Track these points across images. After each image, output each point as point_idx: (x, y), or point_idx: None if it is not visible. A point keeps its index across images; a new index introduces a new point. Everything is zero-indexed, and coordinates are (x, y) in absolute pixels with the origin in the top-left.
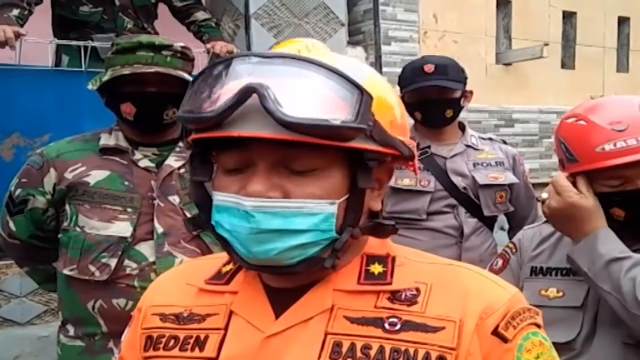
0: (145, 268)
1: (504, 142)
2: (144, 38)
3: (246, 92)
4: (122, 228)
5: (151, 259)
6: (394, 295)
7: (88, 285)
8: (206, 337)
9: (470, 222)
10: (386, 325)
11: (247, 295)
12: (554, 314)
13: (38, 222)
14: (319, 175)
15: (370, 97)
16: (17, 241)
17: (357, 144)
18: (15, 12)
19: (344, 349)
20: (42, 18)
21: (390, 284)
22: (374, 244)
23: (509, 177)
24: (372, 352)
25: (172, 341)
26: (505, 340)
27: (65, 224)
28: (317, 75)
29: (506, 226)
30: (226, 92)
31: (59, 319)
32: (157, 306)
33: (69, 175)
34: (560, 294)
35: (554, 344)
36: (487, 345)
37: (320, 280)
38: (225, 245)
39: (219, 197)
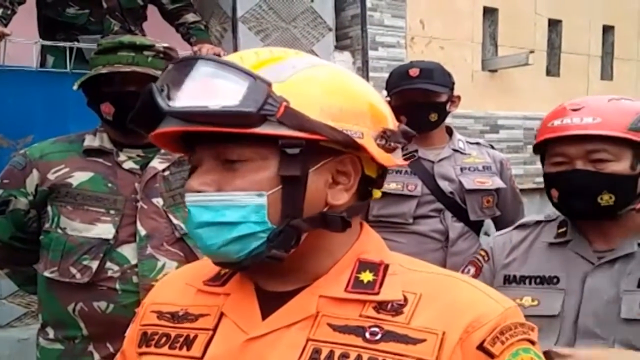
0: (127, 271)
1: (492, 147)
2: (125, 38)
3: (147, 92)
4: (104, 230)
5: (133, 261)
6: (380, 305)
7: (69, 288)
8: (195, 337)
9: (456, 227)
10: (367, 335)
11: (238, 298)
12: (529, 323)
13: (19, 223)
14: (250, 167)
15: (267, 84)
16: None
17: (265, 130)
18: None
19: (322, 356)
20: (26, 18)
21: (377, 294)
22: (369, 248)
23: (496, 182)
24: None
25: (164, 339)
26: (491, 355)
27: (47, 225)
28: (207, 70)
29: (491, 231)
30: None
31: (39, 322)
32: (157, 304)
33: (51, 176)
34: (536, 302)
35: None
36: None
37: (309, 285)
38: None
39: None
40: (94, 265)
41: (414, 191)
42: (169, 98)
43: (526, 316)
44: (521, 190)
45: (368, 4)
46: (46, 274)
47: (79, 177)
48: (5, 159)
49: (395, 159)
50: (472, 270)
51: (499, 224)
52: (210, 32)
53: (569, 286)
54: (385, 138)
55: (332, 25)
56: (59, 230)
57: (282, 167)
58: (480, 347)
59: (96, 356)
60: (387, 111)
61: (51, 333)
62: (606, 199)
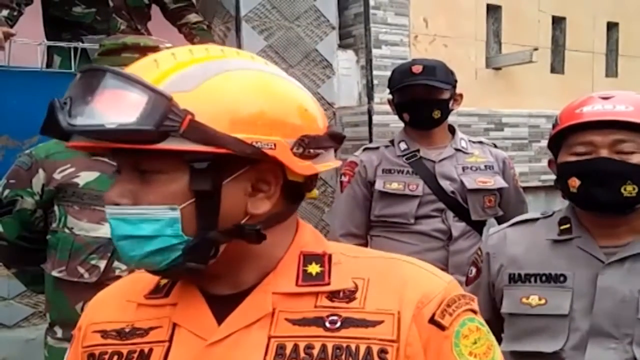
0: (135, 270)
1: (495, 146)
2: (129, 39)
3: (50, 107)
4: None
5: None
6: (333, 294)
7: (77, 287)
8: (150, 350)
9: (458, 226)
10: (327, 324)
11: (187, 305)
12: (538, 323)
13: (26, 223)
14: (164, 180)
15: (167, 99)
16: (5, 242)
17: (168, 145)
18: (5, 12)
19: (288, 351)
20: (32, 19)
21: (328, 284)
22: (308, 241)
23: (498, 182)
24: (315, 352)
25: (116, 357)
26: (442, 327)
27: (54, 225)
28: (110, 84)
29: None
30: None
31: (47, 322)
32: (97, 323)
33: (57, 176)
34: (543, 301)
35: (540, 353)
36: (426, 333)
37: (258, 284)
38: None
39: None
40: (102, 264)
41: (416, 191)
42: (69, 114)
43: (533, 316)
44: (526, 188)
45: (371, 2)
46: (54, 273)
47: (85, 177)
48: (11, 159)
49: (316, 166)
50: (474, 270)
51: (502, 224)
52: (213, 31)
53: (577, 285)
54: (303, 146)
55: (336, 24)
56: (67, 230)
57: (193, 182)
58: (432, 320)
59: None
60: (316, 114)
61: (59, 332)
62: (629, 189)
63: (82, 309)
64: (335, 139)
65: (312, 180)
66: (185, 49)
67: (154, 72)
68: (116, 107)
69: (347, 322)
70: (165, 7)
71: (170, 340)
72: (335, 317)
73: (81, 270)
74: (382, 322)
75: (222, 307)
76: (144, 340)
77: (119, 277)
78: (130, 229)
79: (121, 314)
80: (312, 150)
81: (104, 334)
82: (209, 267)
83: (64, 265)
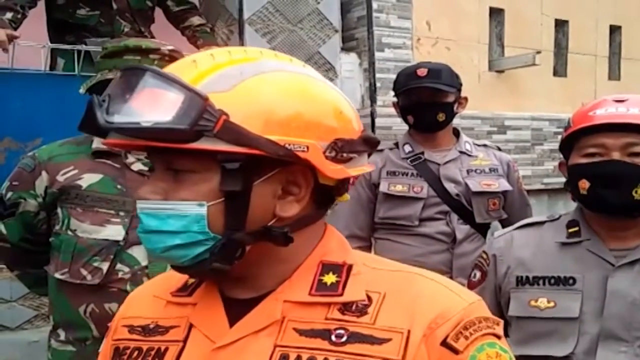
0: (138, 272)
1: (499, 149)
2: (130, 42)
3: (89, 104)
4: (114, 231)
5: (144, 263)
6: (345, 306)
7: (80, 289)
8: (166, 349)
9: (462, 229)
10: (333, 338)
11: (205, 306)
12: (547, 326)
13: (29, 225)
14: (195, 178)
15: (203, 98)
16: (8, 244)
17: (202, 144)
18: (9, 15)
19: None
20: (35, 22)
21: (341, 295)
22: (332, 249)
23: (502, 184)
24: None
25: (136, 352)
26: (455, 351)
27: (57, 227)
28: (148, 83)
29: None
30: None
31: (50, 324)
32: (126, 318)
33: (60, 178)
34: (552, 304)
35: (550, 357)
36: (436, 356)
37: (274, 290)
38: None
39: None
40: (105, 266)
41: (420, 193)
42: (108, 111)
43: (542, 319)
44: (529, 191)
45: (374, 6)
46: (57, 275)
47: (88, 179)
48: (14, 161)
49: (349, 170)
50: (478, 274)
51: (507, 227)
52: (216, 34)
53: (587, 288)
54: (336, 149)
55: (338, 27)
56: (69, 232)
57: (223, 182)
58: (444, 343)
59: None
60: (351, 117)
61: (62, 335)
62: None
63: (84, 311)
64: (369, 143)
65: (343, 184)
66: (224, 50)
67: (193, 72)
68: (153, 106)
69: (354, 338)
70: (168, 9)
71: (185, 340)
72: (342, 331)
73: (84, 272)
74: (389, 340)
75: (237, 311)
76: (163, 339)
77: (121, 279)
78: (157, 223)
79: (149, 311)
80: (345, 154)
81: (131, 329)
82: (232, 269)
83: (66, 267)
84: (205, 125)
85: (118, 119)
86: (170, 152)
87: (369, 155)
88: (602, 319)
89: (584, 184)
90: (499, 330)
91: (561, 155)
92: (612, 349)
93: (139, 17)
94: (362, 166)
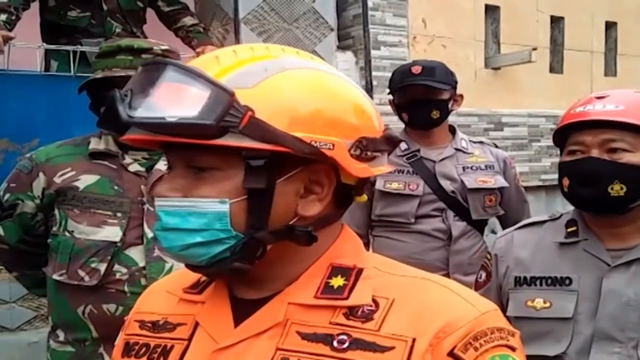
0: (136, 273)
1: (495, 146)
2: (123, 42)
3: (110, 99)
4: (111, 233)
5: (141, 264)
6: (351, 311)
7: (78, 290)
8: (172, 347)
9: (458, 226)
10: (334, 343)
11: (212, 306)
12: (543, 326)
13: (27, 226)
14: (217, 175)
15: (229, 94)
16: (6, 246)
17: (227, 141)
18: (3, 17)
19: None
20: (30, 23)
21: (346, 299)
22: (344, 252)
23: (498, 181)
24: None
25: (144, 349)
26: None
27: (55, 228)
28: (171, 77)
29: (497, 229)
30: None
31: (49, 325)
32: (141, 313)
33: (58, 179)
34: (548, 304)
35: (543, 357)
36: None
37: (281, 291)
38: None
39: None
40: (102, 267)
41: (416, 191)
42: (130, 106)
43: (538, 319)
44: (527, 187)
45: (369, 4)
46: (55, 276)
47: (85, 180)
48: (11, 163)
49: (372, 169)
50: (484, 275)
51: (504, 223)
52: (212, 33)
53: (583, 288)
54: (361, 148)
55: (334, 26)
56: (67, 234)
57: (247, 179)
58: (451, 354)
59: (107, 358)
60: (372, 115)
61: (61, 336)
62: (617, 189)
63: (83, 312)
64: (391, 142)
65: (363, 183)
66: (246, 47)
67: (215, 67)
68: (177, 101)
69: (356, 344)
70: (159, 10)
71: (190, 339)
72: (344, 337)
73: (81, 273)
74: (392, 348)
75: (244, 311)
76: (170, 336)
77: (119, 280)
78: (178, 221)
79: (161, 306)
80: (369, 153)
81: (142, 324)
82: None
83: (64, 268)
84: (231, 121)
85: (141, 113)
86: (192, 149)
87: (389, 155)
88: (596, 319)
89: (565, 182)
90: (514, 342)
91: (559, 152)
92: (605, 349)
93: (130, 18)
94: (383, 165)
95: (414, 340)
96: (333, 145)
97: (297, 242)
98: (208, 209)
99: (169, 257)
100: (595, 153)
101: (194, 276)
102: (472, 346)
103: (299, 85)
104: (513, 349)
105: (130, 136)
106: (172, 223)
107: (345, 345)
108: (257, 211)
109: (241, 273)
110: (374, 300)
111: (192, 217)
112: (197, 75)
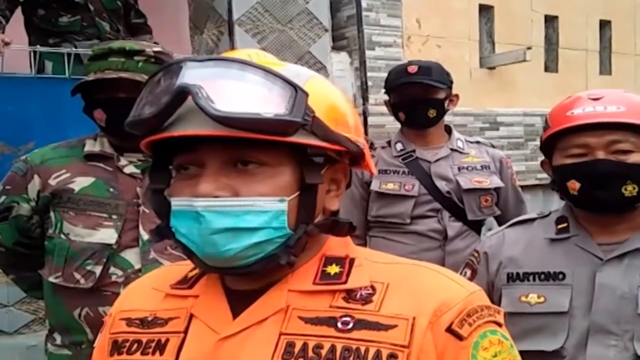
0: (131, 275)
1: (492, 146)
2: (115, 44)
3: (179, 93)
4: (107, 235)
5: (137, 266)
6: (349, 295)
7: (74, 293)
8: (167, 341)
9: (454, 226)
10: (339, 325)
11: (207, 298)
12: (538, 321)
13: (23, 229)
14: (268, 173)
15: (305, 94)
16: (2, 249)
17: (298, 139)
18: None
19: (296, 349)
20: (22, 25)
21: (344, 282)
22: (335, 246)
23: (494, 181)
24: (324, 352)
25: (135, 345)
26: (460, 337)
27: (50, 231)
28: (250, 74)
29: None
30: (164, 95)
31: (47, 328)
32: (125, 311)
33: (53, 182)
34: (542, 299)
35: (540, 352)
36: (442, 342)
37: (279, 281)
38: (185, 250)
39: (174, 202)
40: (98, 270)
41: (411, 191)
42: (211, 102)
43: (533, 314)
44: (524, 186)
45: (363, 4)
46: (51, 279)
47: (80, 183)
48: (7, 165)
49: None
50: (469, 272)
51: (502, 223)
52: (206, 35)
53: (576, 282)
54: (371, 148)
55: (328, 26)
56: (62, 236)
57: (308, 176)
58: (449, 329)
59: None
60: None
61: (58, 339)
62: (630, 189)
63: (79, 315)
64: (371, 146)
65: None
66: (251, 53)
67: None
68: (264, 99)
69: (360, 324)
70: (128, 17)
71: (186, 331)
72: (348, 319)
73: (77, 276)
74: (395, 326)
75: (240, 302)
76: (163, 330)
77: (115, 282)
78: (232, 221)
79: (147, 303)
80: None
81: (129, 321)
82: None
83: (60, 271)
84: (307, 119)
85: (229, 108)
86: (245, 145)
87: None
88: (591, 313)
89: (574, 185)
90: (500, 318)
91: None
92: (602, 342)
93: (114, 17)
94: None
95: (414, 318)
96: (363, 145)
97: (338, 233)
98: (267, 207)
99: (212, 262)
100: (601, 155)
101: (178, 272)
102: (466, 322)
103: (329, 90)
104: (500, 324)
105: (191, 132)
106: (225, 223)
107: (350, 326)
108: (307, 206)
109: (289, 267)
110: (370, 285)
111: (248, 215)
112: (275, 75)
